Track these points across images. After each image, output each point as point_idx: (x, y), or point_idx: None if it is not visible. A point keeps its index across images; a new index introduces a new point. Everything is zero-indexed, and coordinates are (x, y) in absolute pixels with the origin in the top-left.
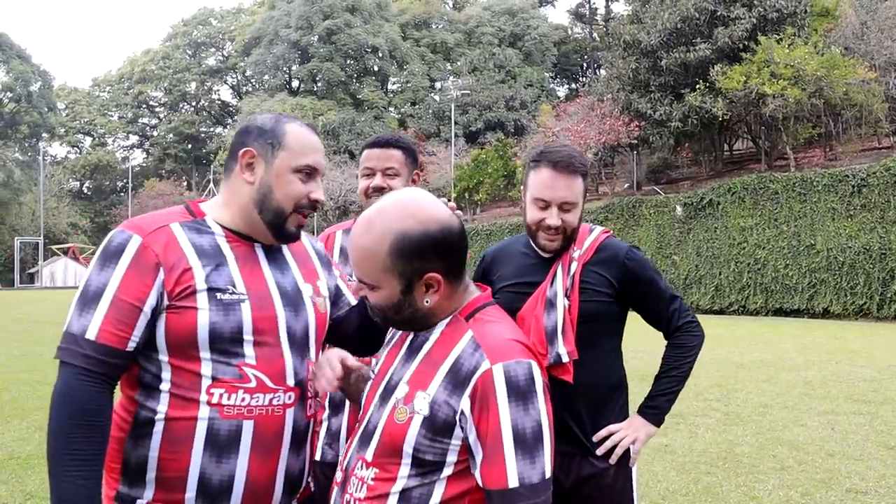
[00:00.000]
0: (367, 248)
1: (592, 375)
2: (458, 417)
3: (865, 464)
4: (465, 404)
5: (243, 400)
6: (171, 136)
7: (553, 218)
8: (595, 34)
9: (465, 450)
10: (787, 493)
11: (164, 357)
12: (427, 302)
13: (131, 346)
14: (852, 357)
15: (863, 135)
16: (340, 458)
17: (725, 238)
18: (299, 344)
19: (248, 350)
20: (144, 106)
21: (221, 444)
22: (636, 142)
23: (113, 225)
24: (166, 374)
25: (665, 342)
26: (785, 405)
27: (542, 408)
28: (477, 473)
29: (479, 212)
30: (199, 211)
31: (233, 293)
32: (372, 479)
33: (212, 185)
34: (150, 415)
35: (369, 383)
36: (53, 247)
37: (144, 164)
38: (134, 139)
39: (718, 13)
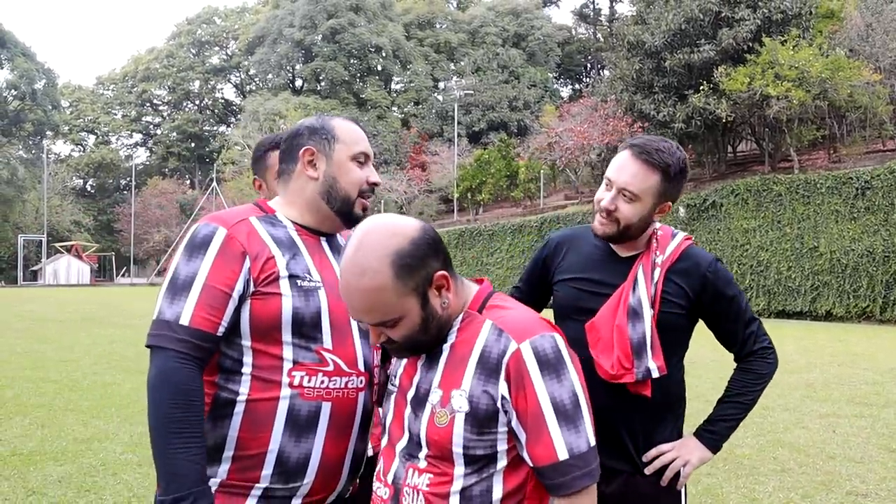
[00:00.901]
0: (373, 286)
1: (658, 390)
2: (499, 404)
3: (866, 466)
4: (503, 389)
5: (322, 382)
6: (174, 134)
7: (607, 200)
8: (599, 35)
9: (512, 435)
10: (787, 496)
11: (246, 342)
12: (444, 304)
13: (221, 330)
14: (855, 360)
15: (867, 137)
16: (378, 472)
17: (728, 240)
18: (366, 330)
19: (326, 335)
20: (148, 104)
21: (302, 424)
22: None
23: (116, 223)
24: (248, 359)
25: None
26: (786, 407)
27: (574, 377)
28: (525, 455)
29: (481, 212)
30: (268, 208)
31: (310, 280)
32: (427, 486)
33: (214, 183)
34: (230, 396)
35: (391, 398)
36: (57, 244)
37: (148, 163)
38: (137, 137)
39: (723, 14)
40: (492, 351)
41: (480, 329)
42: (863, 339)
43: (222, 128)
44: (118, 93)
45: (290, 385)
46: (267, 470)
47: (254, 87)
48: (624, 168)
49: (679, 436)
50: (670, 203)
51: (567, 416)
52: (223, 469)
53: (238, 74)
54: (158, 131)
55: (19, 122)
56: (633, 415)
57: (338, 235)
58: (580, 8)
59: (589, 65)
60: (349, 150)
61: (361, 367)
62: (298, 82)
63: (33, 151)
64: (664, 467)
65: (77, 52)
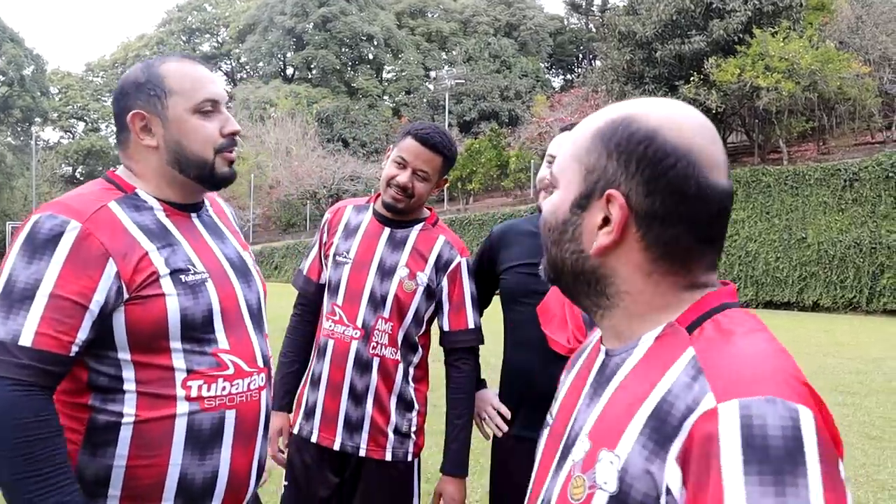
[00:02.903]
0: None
1: None
2: (663, 501)
3: (847, 453)
4: (671, 475)
5: (224, 389)
6: None
7: (551, 174)
8: (591, 25)
9: None
10: None
11: (124, 355)
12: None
13: (75, 350)
14: (840, 350)
15: (856, 129)
16: None
17: None
18: (257, 318)
19: (220, 334)
20: None
21: (205, 439)
22: None
23: None
24: (129, 374)
25: None
26: None
27: (815, 491)
28: None
29: (471, 201)
30: (126, 185)
31: (195, 272)
32: None
33: None
34: (112, 419)
35: (546, 430)
36: None
37: None
38: None
39: (714, 5)
40: (676, 401)
41: (675, 360)
42: (849, 330)
43: None
44: (108, 80)
45: (188, 398)
46: (167, 498)
47: (245, 75)
48: (564, 143)
49: None
50: None
51: None
52: (112, 502)
53: (229, 62)
54: None
55: (7, 109)
56: None
57: (207, 206)
58: None
59: (581, 55)
60: (188, 102)
61: (260, 362)
62: (290, 70)
63: (22, 138)
64: None
65: (66, 38)
